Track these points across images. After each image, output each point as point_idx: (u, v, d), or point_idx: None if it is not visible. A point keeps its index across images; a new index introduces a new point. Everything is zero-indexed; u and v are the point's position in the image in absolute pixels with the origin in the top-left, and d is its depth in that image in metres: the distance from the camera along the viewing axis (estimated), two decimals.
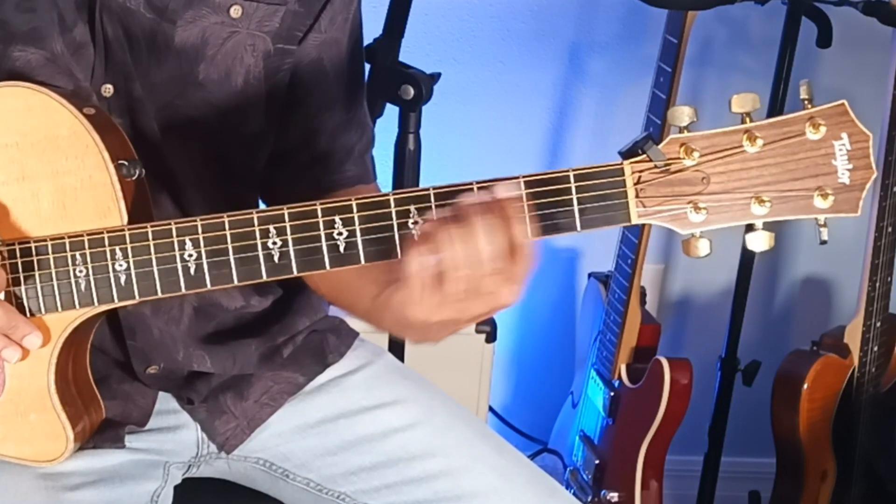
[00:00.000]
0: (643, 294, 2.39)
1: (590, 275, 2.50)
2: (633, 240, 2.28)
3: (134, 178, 1.24)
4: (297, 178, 1.46)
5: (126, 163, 1.23)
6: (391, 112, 1.91)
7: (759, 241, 1.17)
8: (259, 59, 1.39)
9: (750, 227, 1.17)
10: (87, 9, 1.31)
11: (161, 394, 1.44)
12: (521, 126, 2.56)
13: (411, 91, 1.86)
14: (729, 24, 2.49)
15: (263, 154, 1.46)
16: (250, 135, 1.42)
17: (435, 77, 1.89)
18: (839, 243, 2.63)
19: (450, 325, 1.18)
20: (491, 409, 2.54)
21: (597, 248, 2.59)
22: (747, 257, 2.40)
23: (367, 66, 1.88)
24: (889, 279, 2.28)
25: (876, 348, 2.32)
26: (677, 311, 2.75)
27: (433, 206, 1.16)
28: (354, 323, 1.56)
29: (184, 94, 1.36)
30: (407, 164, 1.90)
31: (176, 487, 1.44)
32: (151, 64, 1.34)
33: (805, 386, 2.29)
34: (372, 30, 1.79)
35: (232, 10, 1.36)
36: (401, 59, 1.91)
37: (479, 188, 1.16)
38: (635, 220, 1.16)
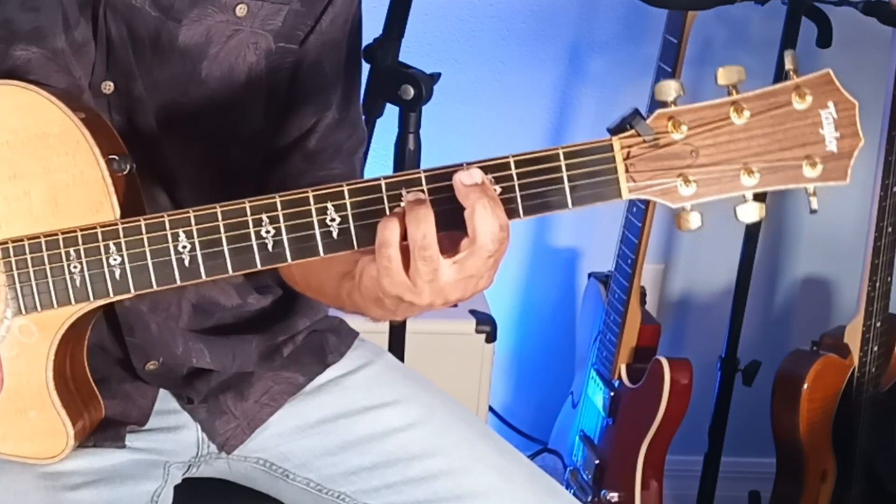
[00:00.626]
0: (643, 294, 2.39)
1: (590, 275, 2.50)
2: (633, 240, 2.28)
3: (125, 172, 1.24)
4: (285, 176, 1.46)
5: (117, 157, 1.23)
6: (391, 112, 1.91)
7: (750, 213, 1.16)
8: (261, 58, 1.39)
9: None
10: (90, 7, 1.31)
11: (161, 394, 1.44)
12: (521, 126, 2.56)
13: (411, 91, 1.85)
14: (729, 24, 2.49)
15: (261, 154, 1.47)
16: (249, 134, 1.43)
17: (435, 77, 1.89)
18: (839, 243, 2.65)
19: (423, 306, 1.19)
20: (491, 409, 2.54)
21: (597, 248, 2.59)
22: (747, 257, 2.40)
23: (367, 66, 1.88)
24: (889, 279, 2.28)
25: (876, 348, 2.32)
26: (677, 311, 2.75)
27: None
28: (354, 323, 1.56)
29: (186, 92, 1.36)
30: (407, 164, 1.90)
31: (176, 487, 1.44)
32: (154, 62, 1.34)
33: (805, 386, 2.29)
34: (372, 30, 1.79)
35: (238, 9, 1.36)
36: (401, 59, 1.91)
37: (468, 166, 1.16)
38: (626, 196, 1.15)
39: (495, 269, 1.17)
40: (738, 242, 2.39)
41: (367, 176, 1.55)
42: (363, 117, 1.55)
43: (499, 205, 1.14)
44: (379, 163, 2.08)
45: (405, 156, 1.90)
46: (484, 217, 1.12)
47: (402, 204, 1.16)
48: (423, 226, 1.12)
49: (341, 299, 1.28)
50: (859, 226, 2.30)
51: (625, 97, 2.53)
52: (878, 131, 2.16)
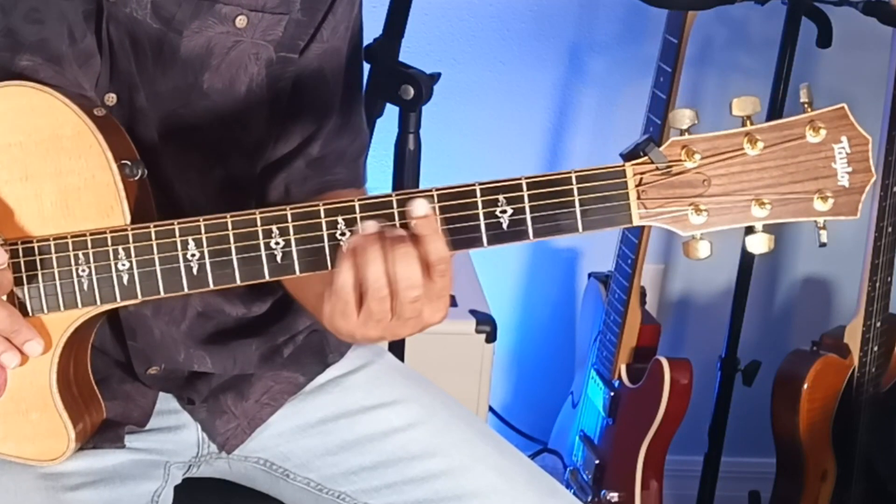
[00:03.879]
0: (643, 294, 2.39)
1: (590, 275, 2.50)
2: (633, 240, 2.28)
3: (136, 178, 1.24)
4: (289, 182, 1.47)
5: (129, 163, 1.24)
6: (391, 112, 1.91)
7: (759, 244, 1.17)
8: (262, 68, 1.39)
9: (750, 230, 1.17)
10: (94, 19, 1.31)
11: (162, 394, 1.44)
12: (521, 126, 2.56)
13: (411, 91, 1.85)
14: (729, 24, 2.49)
15: (262, 162, 1.47)
16: (251, 143, 1.43)
17: (435, 77, 1.89)
18: (839, 243, 2.63)
19: (376, 340, 1.20)
20: (491, 409, 2.54)
21: (597, 248, 2.60)
22: (747, 257, 2.40)
23: (367, 66, 1.88)
24: (889, 279, 2.29)
25: (876, 348, 2.32)
26: (677, 311, 2.75)
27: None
28: None
29: (188, 103, 1.37)
30: (407, 164, 1.90)
31: (176, 487, 1.44)
32: (157, 73, 1.35)
33: (805, 386, 2.29)
34: (372, 30, 1.79)
35: (238, 21, 1.37)
36: (401, 59, 1.91)
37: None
38: (637, 222, 1.16)
39: (442, 301, 1.17)
40: (738, 243, 2.39)
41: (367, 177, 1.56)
42: (366, 122, 1.55)
43: (437, 239, 1.14)
44: (379, 163, 2.08)
45: (405, 156, 1.90)
46: (366, 265, 1.13)
47: (343, 240, 1.16)
48: (404, 265, 1.12)
49: (317, 318, 1.29)
50: (859, 226, 2.30)
51: (625, 97, 2.53)
52: (879, 131, 2.17)
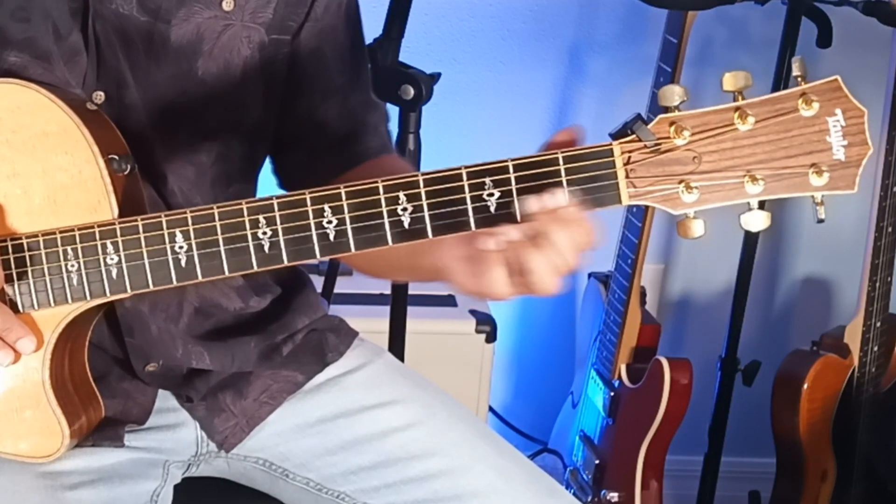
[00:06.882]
0: (643, 294, 2.40)
1: (590, 275, 2.50)
2: (633, 240, 2.28)
3: (125, 172, 1.24)
4: (316, 160, 1.47)
5: (117, 157, 1.24)
6: (391, 112, 1.91)
7: (756, 221, 1.15)
8: (255, 51, 1.39)
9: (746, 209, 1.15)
10: (80, 17, 1.31)
11: (160, 392, 1.44)
12: (521, 126, 2.56)
13: (411, 91, 1.86)
14: (729, 24, 2.49)
15: (262, 148, 1.47)
16: (250, 128, 1.43)
17: (435, 77, 1.89)
18: (839, 243, 2.65)
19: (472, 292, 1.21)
20: (491, 409, 2.54)
21: (597, 248, 2.59)
22: (747, 257, 2.40)
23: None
24: (889, 279, 2.29)
25: (876, 348, 2.32)
26: (677, 311, 2.75)
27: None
28: (354, 323, 1.56)
29: (185, 92, 1.37)
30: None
31: (176, 487, 1.44)
32: (150, 65, 1.35)
33: (805, 386, 2.29)
34: (372, 30, 1.79)
35: (224, 4, 1.37)
36: (401, 59, 1.91)
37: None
38: (626, 201, 1.15)
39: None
40: (738, 242, 2.40)
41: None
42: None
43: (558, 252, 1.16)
44: None
45: (405, 156, 1.90)
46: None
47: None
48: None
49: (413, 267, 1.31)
50: (859, 226, 2.30)
51: (625, 97, 2.53)
52: (879, 131, 2.17)
